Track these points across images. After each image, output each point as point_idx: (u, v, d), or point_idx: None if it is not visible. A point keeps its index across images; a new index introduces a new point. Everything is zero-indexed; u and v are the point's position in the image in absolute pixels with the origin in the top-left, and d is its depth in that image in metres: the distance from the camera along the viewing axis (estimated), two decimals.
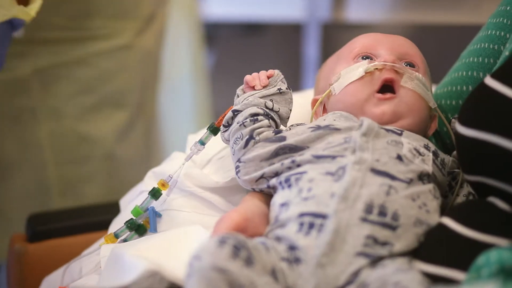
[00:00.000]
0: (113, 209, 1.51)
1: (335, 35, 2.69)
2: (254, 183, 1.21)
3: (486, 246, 0.99)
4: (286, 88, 1.29)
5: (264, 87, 1.27)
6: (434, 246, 1.05)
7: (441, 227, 1.07)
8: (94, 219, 1.59)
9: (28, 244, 1.55)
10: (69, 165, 1.95)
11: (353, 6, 2.60)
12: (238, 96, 1.29)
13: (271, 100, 1.26)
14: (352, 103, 1.25)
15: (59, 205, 1.93)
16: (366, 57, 1.29)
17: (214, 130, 1.30)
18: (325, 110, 1.33)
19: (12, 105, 1.87)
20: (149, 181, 1.38)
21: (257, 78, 1.29)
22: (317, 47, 2.67)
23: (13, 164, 1.91)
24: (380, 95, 1.24)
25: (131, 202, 1.42)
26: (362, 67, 1.26)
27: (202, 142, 1.30)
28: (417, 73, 1.27)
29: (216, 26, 3.25)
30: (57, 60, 1.87)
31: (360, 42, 1.32)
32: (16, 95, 1.88)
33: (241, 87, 1.31)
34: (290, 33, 3.03)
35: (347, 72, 1.27)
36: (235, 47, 3.35)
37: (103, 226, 1.49)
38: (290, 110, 1.29)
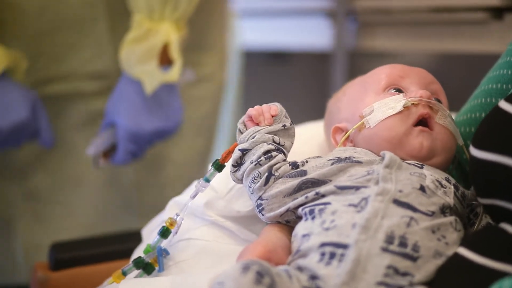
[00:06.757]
0: (135, 238, 1.51)
1: (362, 64, 2.68)
2: (279, 218, 1.21)
3: (500, 274, 0.98)
4: (290, 124, 1.28)
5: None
6: (448, 275, 1.03)
7: (455, 256, 1.06)
8: (116, 248, 1.59)
9: (50, 272, 1.55)
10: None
11: (380, 35, 2.59)
12: (240, 132, 1.28)
13: (276, 135, 1.25)
14: (391, 136, 1.24)
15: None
16: (397, 89, 1.28)
17: (219, 168, 1.28)
18: (347, 140, 1.32)
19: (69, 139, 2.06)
20: (171, 211, 1.38)
21: (261, 115, 1.27)
22: (344, 76, 2.66)
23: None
24: (420, 126, 1.23)
25: (153, 231, 1.42)
26: (400, 102, 1.25)
27: (207, 180, 1.28)
28: (448, 111, 1.26)
29: (242, 55, 3.25)
30: None
31: (386, 73, 1.31)
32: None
33: (241, 120, 1.29)
34: (317, 62, 3.02)
35: (382, 105, 1.26)
36: (261, 76, 3.34)
37: (125, 255, 1.49)
38: (292, 143, 1.28)
